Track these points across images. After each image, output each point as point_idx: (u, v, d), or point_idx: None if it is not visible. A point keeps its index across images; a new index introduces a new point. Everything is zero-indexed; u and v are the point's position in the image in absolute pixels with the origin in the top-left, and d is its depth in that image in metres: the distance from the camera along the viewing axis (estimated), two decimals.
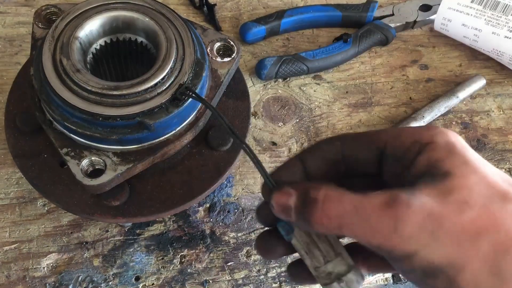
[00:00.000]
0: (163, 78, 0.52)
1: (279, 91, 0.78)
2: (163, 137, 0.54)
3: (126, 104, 0.51)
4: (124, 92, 0.51)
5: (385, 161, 0.40)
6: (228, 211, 0.68)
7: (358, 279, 0.40)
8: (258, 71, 0.77)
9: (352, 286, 0.40)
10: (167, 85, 0.52)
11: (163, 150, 0.54)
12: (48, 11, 0.60)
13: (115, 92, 0.50)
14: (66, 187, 0.58)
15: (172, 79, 0.52)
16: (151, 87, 0.51)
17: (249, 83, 0.78)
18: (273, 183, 0.41)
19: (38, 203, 0.66)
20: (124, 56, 0.59)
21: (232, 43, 0.60)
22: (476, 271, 0.34)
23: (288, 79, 0.80)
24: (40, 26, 0.59)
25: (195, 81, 0.54)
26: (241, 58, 0.73)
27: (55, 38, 0.53)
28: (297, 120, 0.76)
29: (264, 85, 0.79)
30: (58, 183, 0.58)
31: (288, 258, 0.64)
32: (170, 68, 0.52)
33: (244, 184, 0.70)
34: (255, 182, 0.70)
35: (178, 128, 0.55)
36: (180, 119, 0.54)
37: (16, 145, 0.60)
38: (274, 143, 0.74)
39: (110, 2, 0.56)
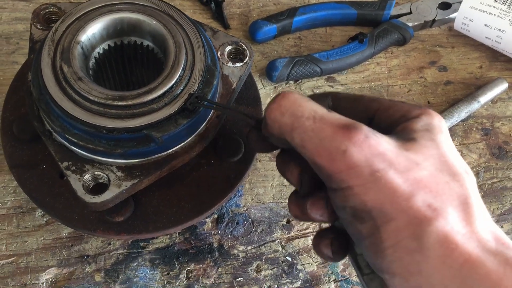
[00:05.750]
0: (171, 87, 0.48)
1: None
2: (171, 150, 0.51)
3: (131, 115, 0.47)
4: (130, 102, 0.47)
5: (370, 126, 0.39)
6: (237, 223, 0.64)
7: None
8: (268, 72, 0.73)
9: None
10: (176, 95, 0.48)
11: (170, 164, 0.51)
12: (47, 10, 0.56)
13: (119, 103, 0.47)
14: (66, 201, 0.55)
15: (182, 88, 0.48)
16: (159, 97, 0.47)
17: (259, 85, 0.74)
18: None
19: (37, 213, 0.62)
20: (128, 61, 0.56)
21: (244, 46, 0.56)
22: (400, 226, 0.33)
23: (300, 81, 0.75)
24: (38, 27, 0.55)
25: (206, 90, 0.50)
26: None
27: (55, 42, 0.49)
28: None
29: (275, 87, 0.75)
30: (58, 196, 0.55)
31: (301, 273, 0.61)
32: (179, 76, 0.48)
33: (254, 194, 0.66)
34: (265, 191, 0.66)
35: (187, 140, 0.51)
36: (189, 131, 0.50)
37: (13, 155, 0.57)
38: None
39: (114, 2, 0.52)
